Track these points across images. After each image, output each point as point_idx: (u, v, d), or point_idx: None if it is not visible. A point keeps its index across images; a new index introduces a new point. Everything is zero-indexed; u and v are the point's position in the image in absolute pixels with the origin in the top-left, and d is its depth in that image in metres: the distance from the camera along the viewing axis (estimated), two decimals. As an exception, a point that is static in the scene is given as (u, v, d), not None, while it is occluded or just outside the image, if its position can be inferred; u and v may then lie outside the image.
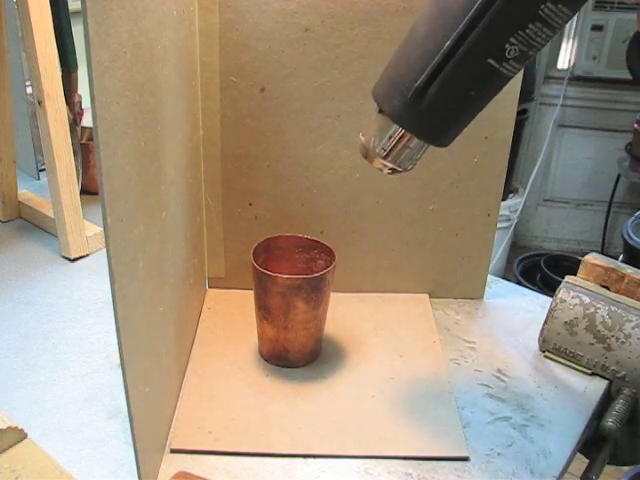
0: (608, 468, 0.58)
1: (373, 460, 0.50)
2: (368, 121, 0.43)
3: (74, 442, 0.51)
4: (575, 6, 0.36)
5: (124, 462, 0.49)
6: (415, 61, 0.38)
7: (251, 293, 0.58)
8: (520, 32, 0.36)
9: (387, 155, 0.42)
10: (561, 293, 0.61)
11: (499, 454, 0.51)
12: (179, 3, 0.51)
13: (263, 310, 0.57)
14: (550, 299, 0.64)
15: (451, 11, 0.36)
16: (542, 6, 0.35)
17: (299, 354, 0.59)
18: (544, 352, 0.63)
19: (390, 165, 0.43)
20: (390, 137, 0.41)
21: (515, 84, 0.61)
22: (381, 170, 0.43)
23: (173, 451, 0.50)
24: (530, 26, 0.35)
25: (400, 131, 0.41)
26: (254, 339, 0.62)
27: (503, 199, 0.70)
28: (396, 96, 0.39)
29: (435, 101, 0.38)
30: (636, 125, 1.94)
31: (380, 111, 0.41)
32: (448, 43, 0.36)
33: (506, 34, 0.36)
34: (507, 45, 0.36)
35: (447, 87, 0.38)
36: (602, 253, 0.64)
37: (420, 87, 0.38)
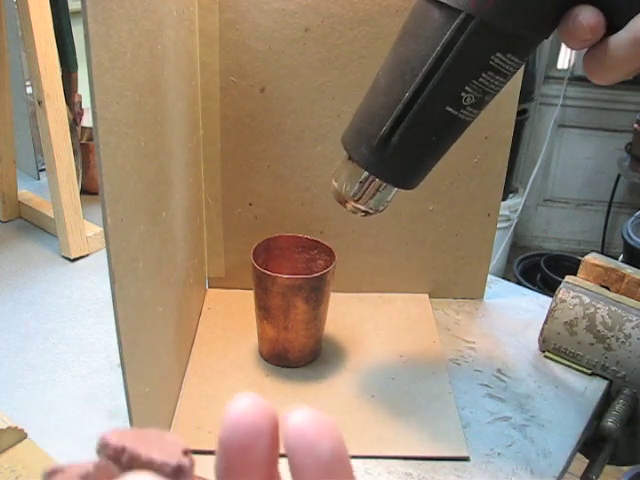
0: (608, 468, 0.58)
1: (373, 460, 0.50)
2: (339, 167, 0.45)
3: (74, 442, 0.51)
4: (523, 55, 0.38)
5: (124, 462, 0.49)
6: (378, 111, 0.40)
7: (251, 293, 0.58)
8: (474, 81, 0.38)
9: (359, 199, 0.44)
10: (561, 293, 0.61)
11: (499, 454, 0.51)
12: (179, 3, 0.51)
13: (263, 310, 0.57)
14: (550, 299, 0.64)
15: (408, 64, 0.38)
16: (492, 56, 0.37)
17: (299, 354, 0.59)
18: (544, 352, 0.63)
19: (363, 208, 0.45)
20: (360, 182, 0.44)
21: (515, 84, 0.61)
22: (355, 213, 0.46)
23: (173, 451, 0.50)
24: (483, 75, 0.37)
25: (369, 177, 0.43)
26: (254, 339, 0.62)
27: (503, 199, 0.70)
28: (363, 144, 0.41)
29: (399, 148, 0.40)
30: (636, 125, 1.94)
31: (349, 158, 0.43)
32: (407, 94, 0.38)
33: (461, 84, 0.38)
34: (463, 93, 0.38)
35: (409, 135, 0.40)
36: (602, 253, 0.64)
37: (384, 136, 0.40)
